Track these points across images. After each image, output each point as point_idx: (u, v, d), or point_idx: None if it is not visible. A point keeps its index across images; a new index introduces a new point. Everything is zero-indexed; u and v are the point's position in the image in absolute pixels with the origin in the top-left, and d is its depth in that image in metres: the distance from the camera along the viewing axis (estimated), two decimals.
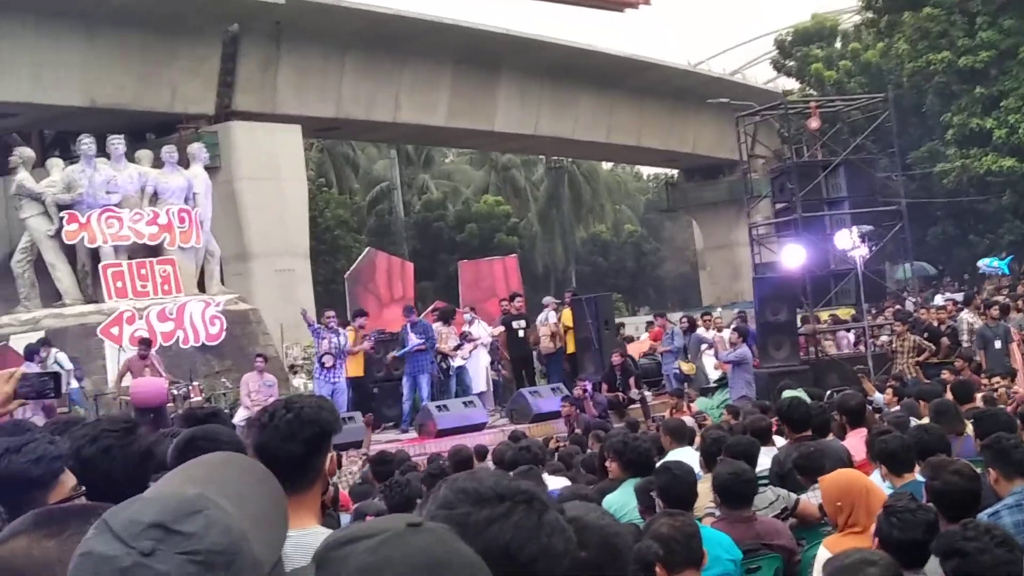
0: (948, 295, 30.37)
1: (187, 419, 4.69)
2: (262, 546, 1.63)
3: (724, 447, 7.51)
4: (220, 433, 3.63)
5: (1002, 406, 11.59)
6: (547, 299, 22.98)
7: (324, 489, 3.37)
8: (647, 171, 76.21)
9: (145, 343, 19.20)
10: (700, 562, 4.84)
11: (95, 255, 23.27)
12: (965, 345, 19.80)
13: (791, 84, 50.24)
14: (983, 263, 30.92)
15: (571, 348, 21.46)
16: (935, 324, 21.30)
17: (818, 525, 6.98)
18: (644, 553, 4.65)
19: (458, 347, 20.16)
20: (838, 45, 49.63)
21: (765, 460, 8.00)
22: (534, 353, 22.14)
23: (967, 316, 20.77)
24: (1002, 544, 3.84)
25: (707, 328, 22.53)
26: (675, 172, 57.78)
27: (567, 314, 21.56)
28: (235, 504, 1.63)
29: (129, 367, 18.46)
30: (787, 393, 14.17)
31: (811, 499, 7.15)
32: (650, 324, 27.73)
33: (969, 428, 8.26)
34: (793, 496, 7.02)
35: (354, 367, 19.96)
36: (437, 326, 20.28)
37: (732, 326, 21.72)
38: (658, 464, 6.99)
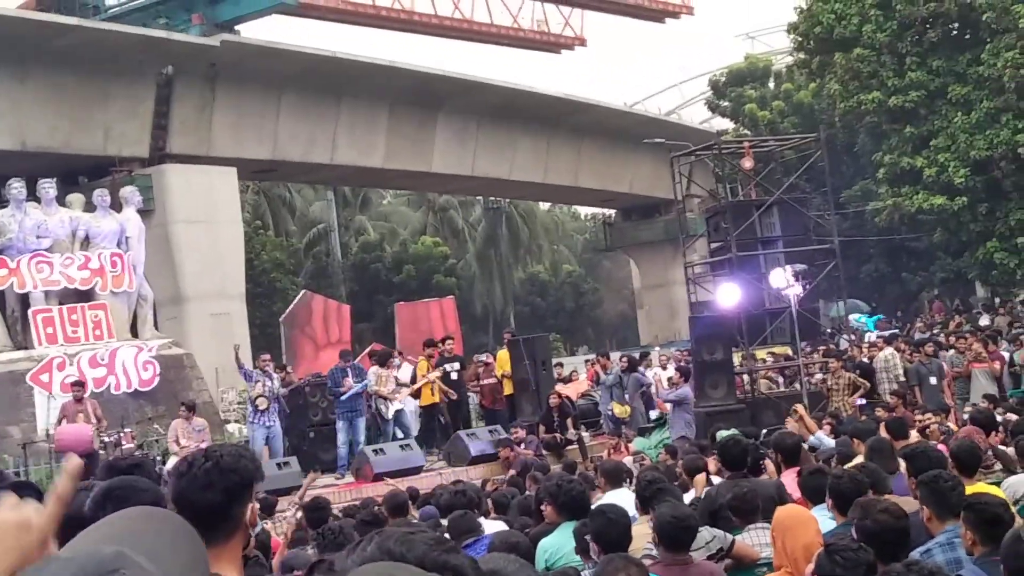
0: (879, 333, 30.69)
1: (109, 470, 4.57)
2: None
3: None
4: (138, 484, 3.52)
5: (934, 442, 11.68)
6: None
7: (245, 541, 3.28)
8: (585, 211, 76.61)
9: (79, 385, 18.90)
10: None
11: (25, 300, 22.87)
12: (887, 384, 20.05)
13: (726, 124, 50.82)
14: (852, 317, 31.21)
15: (508, 389, 21.42)
16: (867, 361, 21.51)
17: (754, 566, 6.96)
18: None
19: (396, 391, 20.04)
20: (771, 86, 50.34)
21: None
22: (469, 396, 22.10)
23: (887, 354, 21.04)
24: None
25: (648, 368, 22.63)
26: (612, 212, 58.08)
27: (503, 355, 21.53)
28: (154, 560, 1.60)
29: (64, 413, 18.16)
30: (722, 433, 14.24)
31: (746, 539, 7.13)
32: (588, 362, 27.77)
33: (903, 465, 8.29)
34: (729, 537, 6.99)
35: (427, 396, 20.17)
36: (375, 369, 20.15)
37: (675, 365, 21.79)
38: (593, 507, 6.94)
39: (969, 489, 6.54)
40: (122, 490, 3.33)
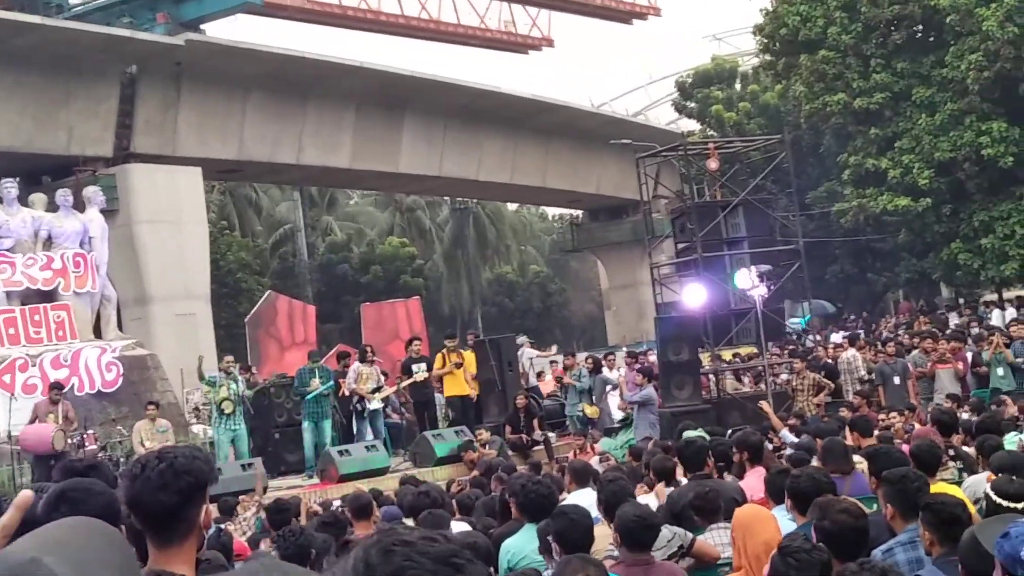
0: (844, 333, 30.84)
1: (65, 471, 4.53)
2: None
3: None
4: (93, 487, 3.48)
5: (899, 441, 11.74)
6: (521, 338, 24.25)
7: (199, 543, 3.25)
8: (552, 211, 76.67)
9: (57, 387, 18.77)
10: None
11: None
12: (850, 384, 20.18)
13: (693, 125, 50.93)
14: (791, 321, 31.43)
15: (469, 390, 21.41)
16: (831, 362, 21.62)
17: (717, 565, 6.97)
18: None
19: (376, 390, 19.94)
20: (738, 87, 50.46)
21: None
22: (436, 396, 22.08)
23: (849, 355, 21.18)
24: None
25: (611, 369, 22.66)
26: (580, 212, 58.17)
27: (470, 356, 21.51)
28: (78, 570, 1.60)
29: (36, 412, 18.04)
30: (687, 433, 14.26)
31: (708, 539, 7.14)
32: (553, 363, 27.79)
33: (861, 466, 8.33)
34: (689, 535, 7.00)
35: (456, 386, 20.13)
36: (356, 366, 20.07)
37: (636, 367, 21.80)
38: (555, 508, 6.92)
39: (932, 489, 6.57)
40: (76, 492, 3.30)
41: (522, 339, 25.17)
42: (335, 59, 35.41)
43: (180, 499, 3.10)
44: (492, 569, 7.00)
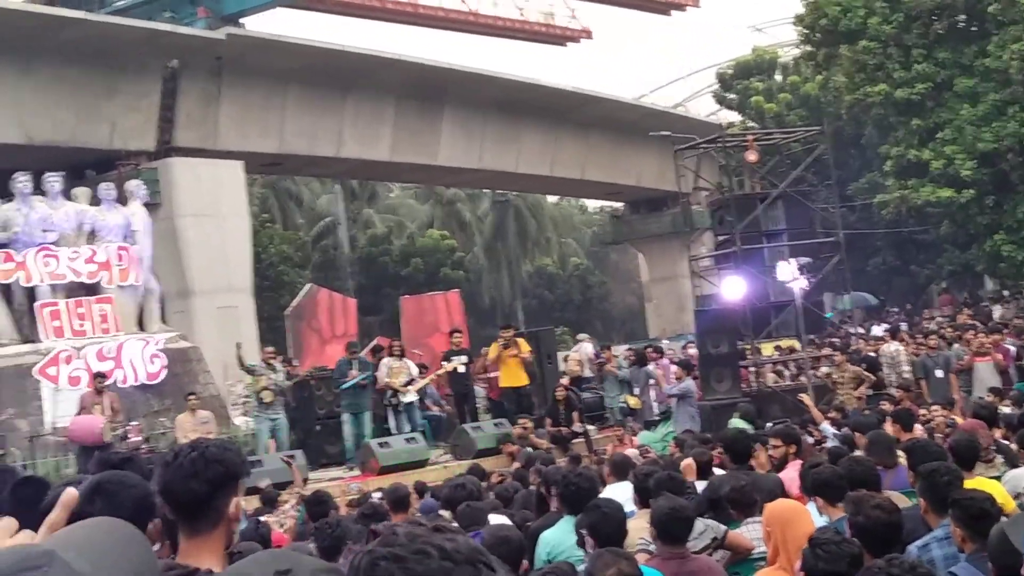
0: (886, 326, 30.64)
1: (101, 464, 4.60)
2: None
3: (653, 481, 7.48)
4: (128, 479, 3.54)
5: (939, 435, 11.68)
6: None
7: (229, 539, 3.29)
8: (593, 204, 76.55)
9: (100, 376, 18.96)
10: None
11: (31, 294, 22.90)
12: (893, 377, 20.03)
13: (733, 117, 50.71)
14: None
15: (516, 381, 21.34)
16: (873, 355, 21.48)
17: (752, 559, 6.97)
18: None
19: (409, 383, 20.02)
20: (778, 78, 50.18)
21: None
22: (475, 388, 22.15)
23: (891, 348, 20.97)
24: None
25: (654, 362, 22.67)
26: (620, 205, 58.02)
27: (524, 344, 21.35)
28: (96, 568, 1.62)
29: (82, 403, 18.24)
30: (733, 421, 14.28)
31: (743, 533, 7.13)
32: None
33: (903, 459, 8.29)
34: (722, 527, 7.00)
35: (512, 376, 20.06)
36: (389, 360, 20.15)
37: (661, 360, 21.82)
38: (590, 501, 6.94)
39: (968, 484, 6.54)
40: (111, 484, 3.35)
41: (583, 336, 25.77)
42: (373, 52, 35.48)
43: (210, 488, 3.16)
44: (526, 562, 7.01)
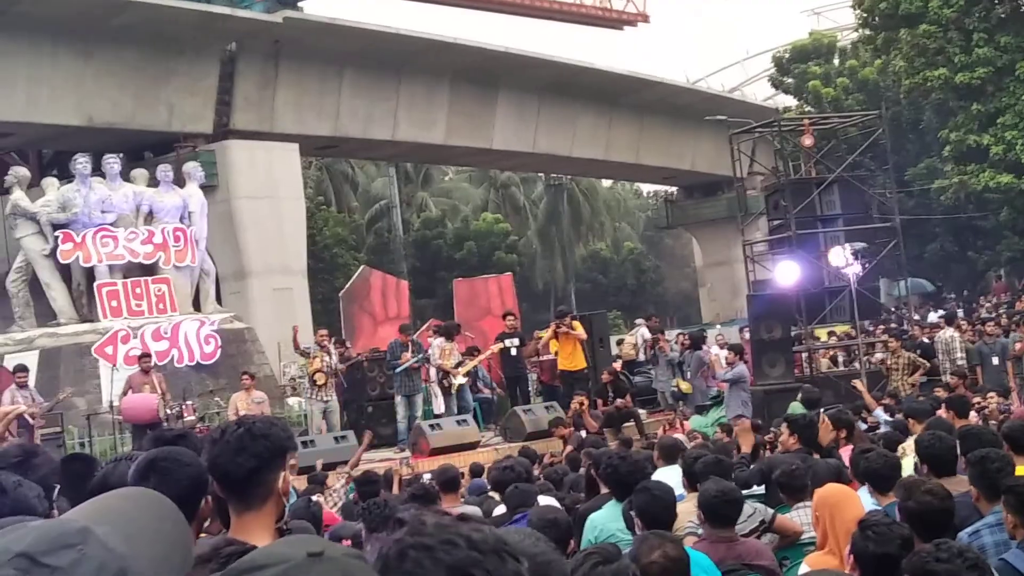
0: (942, 312, 30.32)
1: (155, 441, 4.64)
2: None
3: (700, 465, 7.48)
4: (182, 456, 3.58)
5: (994, 423, 11.55)
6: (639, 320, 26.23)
7: (280, 511, 3.32)
8: (647, 188, 76.27)
9: (146, 357, 19.17)
10: None
11: (90, 274, 23.25)
12: (947, 364, 19.79)
13: (790, 101, 50.27)
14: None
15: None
16: (927, 341, 21.25)
17: (801, 543, 6.94)
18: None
19: (459, 364, 20.09)
20: (836, 62, 49.66)
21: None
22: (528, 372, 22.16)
23: (947, 335, 20.68)
24: (973, 567, 3.78)
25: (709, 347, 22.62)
26: (674, 189, 57.79)
27: (579, 326, 21.24)
28: (130, 542, 1.64)
29: (130, 384, 18.45)
30: (793, 405, 14.23)
31: (793, 517, 7.11)
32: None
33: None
34: (770, 511, 6.98)
35: (570, 359, 20.04)
36: (439, 342, 20.23)
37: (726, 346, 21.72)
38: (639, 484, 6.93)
39: (1021, 471, 6.47)
40: (165, 461, 3.38)
41: (640, 320, 25.97)
42: (428, 35, 35.51)
43: (258, 463, 3.20)
44: (574, 543, 7.03)
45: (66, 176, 24.65)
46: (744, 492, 7.67)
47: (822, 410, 14.45)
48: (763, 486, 8.17)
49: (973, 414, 11.80)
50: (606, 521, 7.18)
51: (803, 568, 5.78)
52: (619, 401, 19.19)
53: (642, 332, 24.88)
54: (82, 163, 23.30)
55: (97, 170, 23.94)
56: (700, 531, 6.51)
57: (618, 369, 20.72)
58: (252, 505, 3.22)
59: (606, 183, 72.02)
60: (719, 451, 9.38)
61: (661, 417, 19.95)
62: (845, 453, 9.02)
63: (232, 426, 3.29)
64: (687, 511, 6.70)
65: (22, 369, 18.23)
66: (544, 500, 8.70)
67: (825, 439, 9.42)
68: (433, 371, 20.08)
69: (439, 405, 20.00)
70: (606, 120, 44.59)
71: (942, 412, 11.08)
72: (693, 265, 61.62)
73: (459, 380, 19.94)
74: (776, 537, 6.98)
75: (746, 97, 54.10)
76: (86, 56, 28.77)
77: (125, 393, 18.43)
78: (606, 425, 18.67)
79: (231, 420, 3.39)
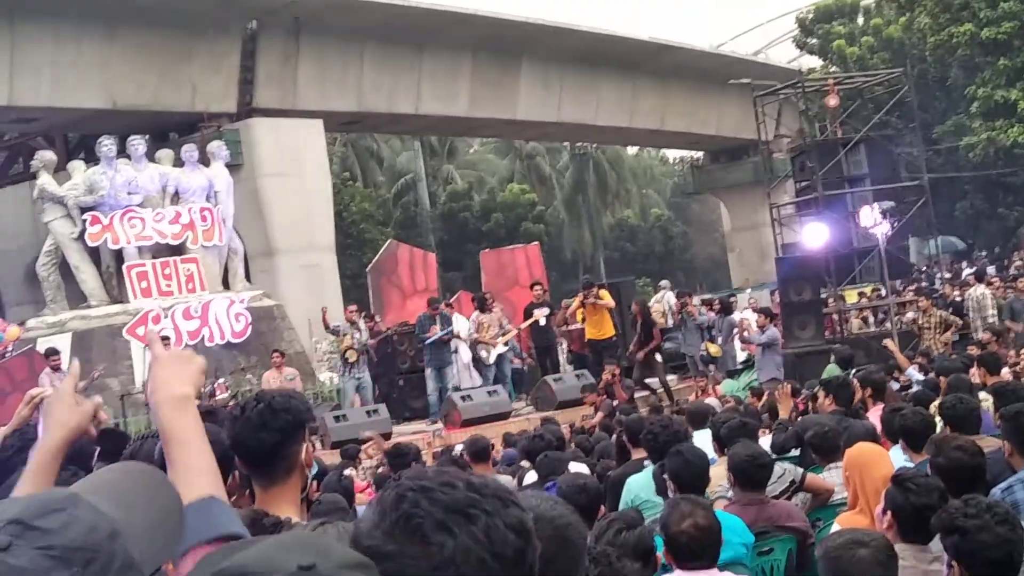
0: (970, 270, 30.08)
1: None
2: (146, 551, 1.66)
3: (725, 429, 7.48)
4: (209, 433, 3.61)
5: None
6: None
7: (304, 482, 3.35)
8: (673, 154, 75.97)
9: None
10: (717, 558, 4.78)
11: (119, 256, 23.38)
12: (979, 321, 19.65)
13: (814, 62, 49.88)
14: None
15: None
16: (959, 299, 21.10)
17: (833, 504, 6.93)
18: (647, 541, 4.55)
19: (502, 333, 20.12)
20: (860, 21, 49.21)
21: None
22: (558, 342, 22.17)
23: (978, 292, 20.45)
24: (1003, 522, 3.76)
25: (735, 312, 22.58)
26: (700, 154, 57.53)
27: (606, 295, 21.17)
28: (122, 509, 1.67)
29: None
30: (830, 367, 14.22)
31: (826, 478, 7.09)
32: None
33: (987, 403, 8.18)
34: (799, 470, 6.98)
35: (598, 328, 20.07)
36: (476, 315, 20.27)
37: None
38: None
39: None
40: None
41: (664, 283, 25.72)
42: (448, 8, 35.40)
43: (280, 437, 3.22)
44: (604, 508, 7.03)
45: (92, 159, 24.75)
46: (781, 455, 7.69)
47: (852, 371, 14.47)
48: (798, 449, 8.16)
49: (1005, 370, 11.75)
50: (643, 485, 7.21)
51: (834, 527, 5.76)
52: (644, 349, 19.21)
53: (668, 296, 24.83)
54: (108, 146, 23.39)
55: (122, 152, 24.03)
56: (731, 494, 6.51)
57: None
58: (276, 479, 3.25)
59: (632, 151, 71.75)
60: (747, 415, 9.37)
61: (692, 383, 19.91)
62: (875, 413, 8.99)
63: (252, 402, 3.31)
64: (718, 475, 6.70)
65: (54, 352, 18.38)
66: (575, 467, 8.72)
67: (784, 408, 9.45)
68: (463, 349, 20.05)
69: (468, 378, 20.01)
70: (630, 87, 44.39)
71: (974, 369, 11.03)
72: (721, 230, 61.39)
73: (498, 350, 19.95)
74: (808, 498, 6.98)
75: (770, 60, 53.70)
76: (110, 39, 28.83)
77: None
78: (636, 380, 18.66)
79: (249, 397, 3.41)
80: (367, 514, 1.66)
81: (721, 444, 7.49)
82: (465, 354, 20.17)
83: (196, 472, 2.38)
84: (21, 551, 1.42)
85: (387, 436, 15.81)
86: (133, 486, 1.82)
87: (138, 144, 24.05)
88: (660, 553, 4.66)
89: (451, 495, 1.60)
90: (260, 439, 3.20)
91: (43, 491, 1.68)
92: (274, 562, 1.46)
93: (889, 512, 4.60)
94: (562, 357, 22.78)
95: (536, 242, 33.15)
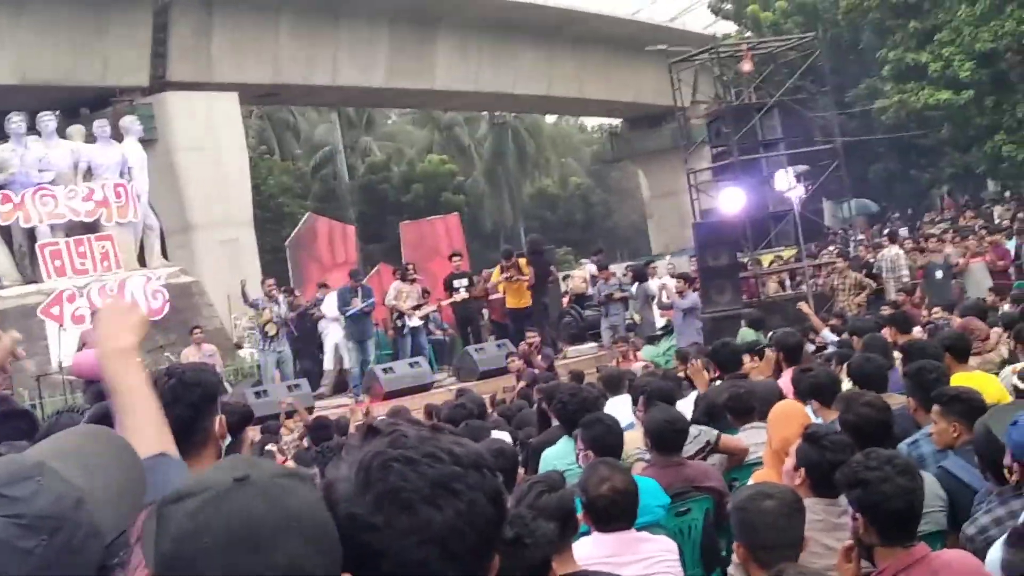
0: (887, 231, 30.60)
1: (98, 395, 4.64)
2: (109, 517, 1.69)
3: (647, 391, 7.56)
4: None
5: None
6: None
7: (218, 455, 3.36)
8: (591, 122, 76.16)
9: (95, 315, 18.98)
10: (634, 520, 4.85)
11: (31, 235, 22.95)
12: (892, 282, 20.01)
13: (730, 27, 50.16)
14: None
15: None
16: (873, 260, 21.47)
17: (749, 464, 7.04)
18: (568, 504, 4.60)
19: (417, 307, 20.08)
20: None
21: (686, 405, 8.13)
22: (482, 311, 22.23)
23: (891, 253, 20.83)
24: (903, 473, 3.86)
25: (653, 278, 22.76)
26: (619, 122, 57.71)
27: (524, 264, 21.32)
28: (86, 475, 1.70)
29: (84, 339, 18.31)
30: (743, 331, 14.37)
31: (741, 439, 7.20)
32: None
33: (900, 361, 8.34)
34: (714, 432, 7.08)
35: (515, 298, 20.27)
36: (397, 284, 20.24)
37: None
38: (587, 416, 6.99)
39: (960, 378, 6.60)
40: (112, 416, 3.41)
41: (585, 261, 26.32)
42: None
43: (193, 412, 3.23)
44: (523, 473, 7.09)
45: (1, 137, 24.27)
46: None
47: (771, 334, 14.67)
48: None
49: (917, 329, 11.97)
50: (560, 456, 7.25)
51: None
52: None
53: (589, 268, 25.06)
54: (16, 122, 22.91)
55: (32, 129, 23.56)
56: (648, 457, 6.59)
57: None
58: (192, 452, 3.25)
59: (550, 119, 71.83)
60: (667, 379, 9.47)
61: (610, 350, 20.05)
62: (788, 375, 9.13)
63: (163, 377, 3.31)
64: (633, 439, 6.78)
65: None
66: (497, 435, 8.77)
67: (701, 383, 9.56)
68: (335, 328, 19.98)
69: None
70: (546, 55, 44.40)
71: (886, 329, 11.23)
72: (640, 197, 61.69)
73: (414, 322, 19.95)
74: (724, 458, 7.08)
75: (686, 26, 53.93)
76: (18, 13, 28.26)
77: (80, 350, 18.30)
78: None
79: (159, 371, 3.41)
80: (342, 476, 1.68)
81: (646, 407, 7.57)
82: (336, 334, 20.07)
83: (144, 426, 2.41)
84: None
85: (310, 410, 15.76)
86: (96, 451, 1.83)
87: (48, 120, 23.58)
88: (580, 515, 4.72)
89: (437, 469, 1.64)
90: (174, 414, 3.20)
91: (11, 457, 1.69)
92: (209, 480, 1.51)
93: (803, 468, 4.69)
94: (483, 326, 22.82)
95: (456, 212, 33.12)
